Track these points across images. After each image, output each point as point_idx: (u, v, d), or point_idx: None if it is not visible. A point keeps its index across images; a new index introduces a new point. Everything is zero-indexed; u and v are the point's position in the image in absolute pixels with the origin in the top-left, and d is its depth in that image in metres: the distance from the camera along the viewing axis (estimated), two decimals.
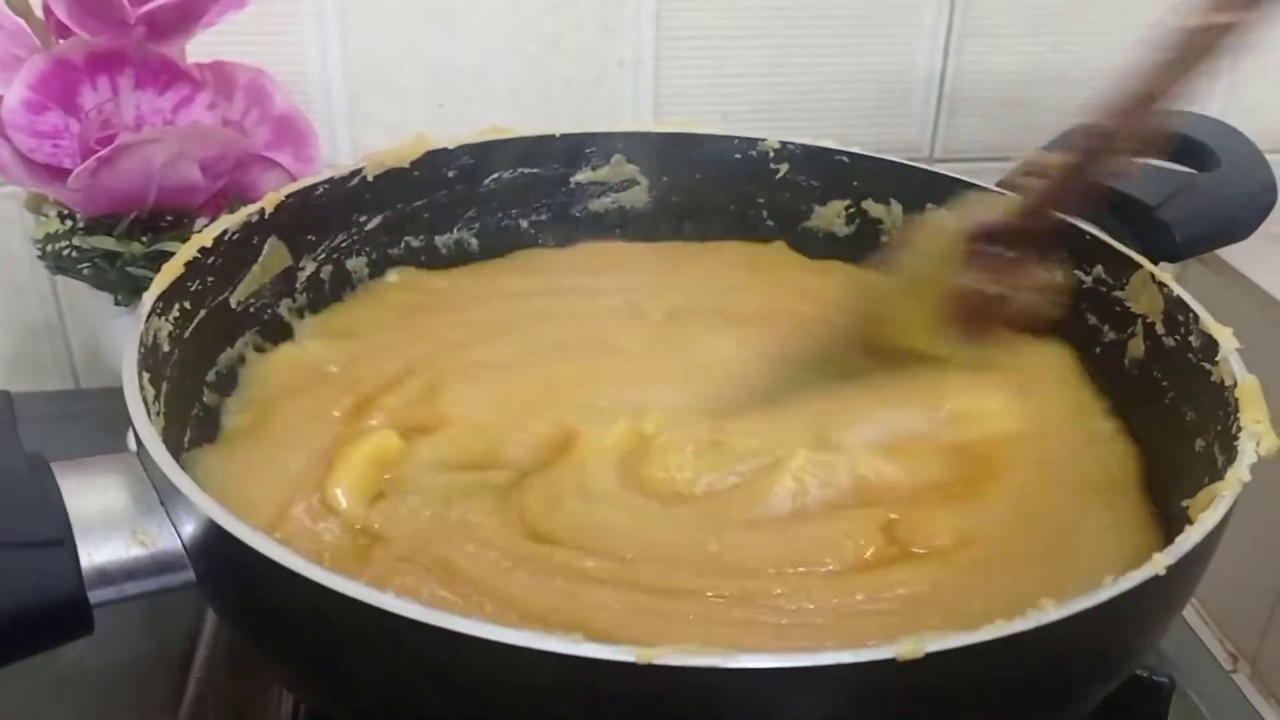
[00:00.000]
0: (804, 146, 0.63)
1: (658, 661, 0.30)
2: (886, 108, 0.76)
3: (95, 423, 0.70)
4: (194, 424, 0.49)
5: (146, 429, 0.39)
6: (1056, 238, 0.50)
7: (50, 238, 0.59)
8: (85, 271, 0.60)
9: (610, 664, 0.30)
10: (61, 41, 0.57)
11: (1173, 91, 0.44)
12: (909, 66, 0.75)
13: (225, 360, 0.52)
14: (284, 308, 0.56)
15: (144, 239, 0.59)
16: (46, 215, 0.60)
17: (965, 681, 0.32)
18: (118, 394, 0.67)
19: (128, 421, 0.69)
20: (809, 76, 0.74)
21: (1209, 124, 0.59)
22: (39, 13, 0.57)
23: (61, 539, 0.35)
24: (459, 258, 0.63)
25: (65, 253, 0.59)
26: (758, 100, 0.74)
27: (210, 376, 0.51)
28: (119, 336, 0.62)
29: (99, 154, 0.54)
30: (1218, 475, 0.41)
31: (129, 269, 0.59)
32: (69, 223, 0.59)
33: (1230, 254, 0.77)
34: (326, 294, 0.58)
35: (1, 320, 0.76)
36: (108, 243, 0.58)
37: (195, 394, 0.50)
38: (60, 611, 0.34)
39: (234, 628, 0.41)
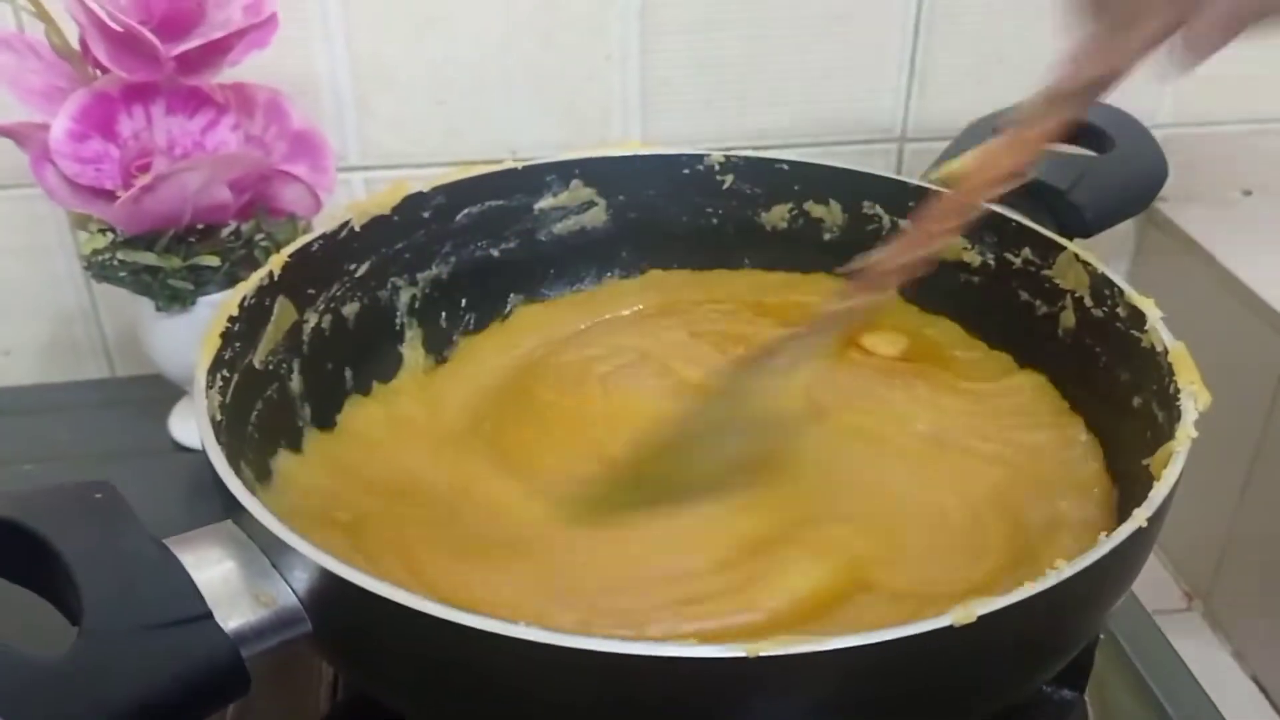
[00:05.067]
0: (746, 158, 0.69)
1: (764, 654, 0.36)
2: (859, 91, 0.81)
3: (133, 410, 0.79)
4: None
5: (249, 500, 0.42)
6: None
7: (96, 252, 0.66)
8: (127, 279, 0.67)
9: (722, 660, 0.36)
10: (99, 73, 0.62)
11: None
12: (880, 50, 0.80)
13: (254, 422, 0.56)
14: (295, 366, 0.59)
15: (181, 253, 0.65)
16: (90, 232, 0.66)
17: (1004, 640, 0.39)
18: (152, 381, 0.76)
19: (166, 408, 0.77)
20: (785, 64, 0.79)
21: (1099, 109, 0.66)
22: (76, 45, 0.63)
23: (209, 612, 0.38)
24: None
25: (109, 263, 0.66)
26: (738, 88, 0.80)
27: (248, 439, 0.55)
28: (160, 337, 0.70)
29: (142, 184, 0.60)
30: (1164, 432, 0.49)
31: (169, 281, 0.66)
32: (110, 235, 0.66)
33: (1187, 223, 0.84)
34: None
35: (36, 308, 0.82)
36: (149, 258, 0.65)
37: (239, 458, 0.53)
38: (222, 678, 0.38)
39: (354, 670, 0.46)
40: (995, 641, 0.39)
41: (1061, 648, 0.43)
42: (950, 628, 0.37)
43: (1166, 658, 0.62)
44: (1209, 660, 0.62)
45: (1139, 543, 0.42)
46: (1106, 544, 0.40)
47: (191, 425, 0.73)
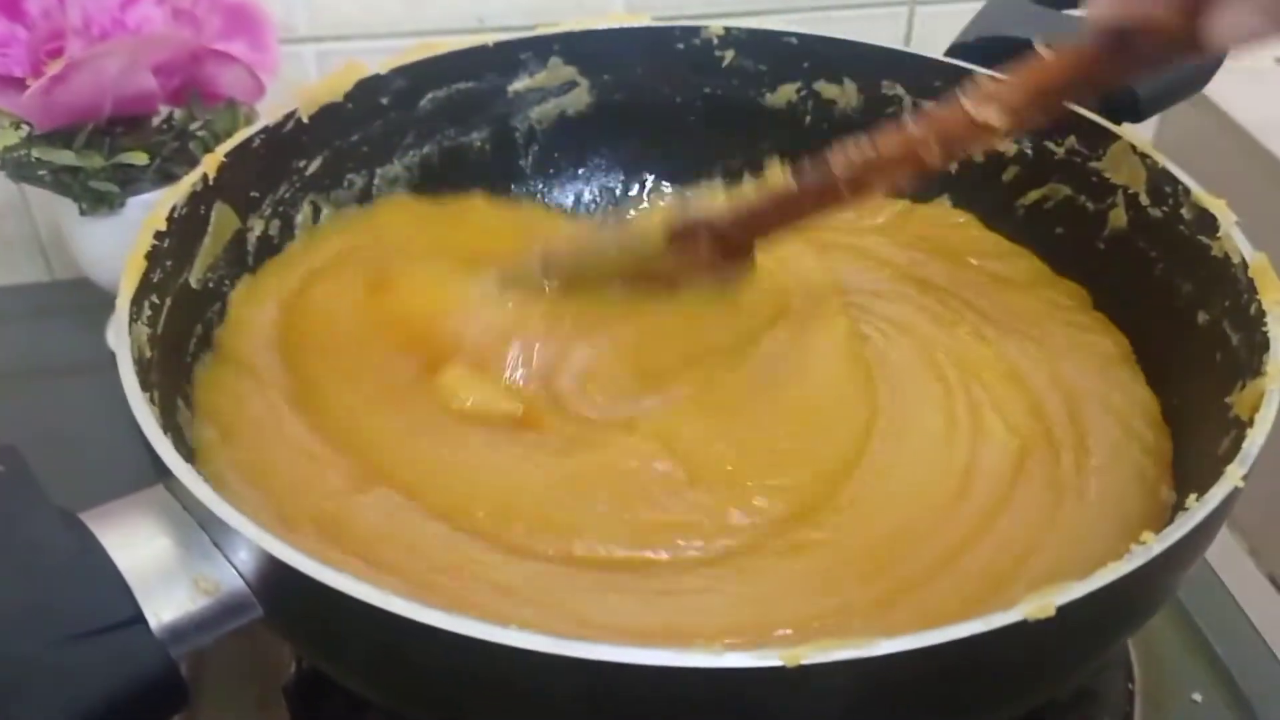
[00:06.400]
0: (749, 31, 0.61)
1: (805, 662, 0.30)
2: None
3: (71, 319, 0.72)
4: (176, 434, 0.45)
5: (182, 468, 0.36)
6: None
7: (8, 149, 0.57)
8: (47, 179, 0.59)
9: (759, 671, 0.30)
10: None
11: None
12: None
13: (193, 351, 0.49)
14: (240, 282, 0.52)
15: (104, 150, 0.57)
16: (1, 126, 0.58)
17: (1080, 627, 0.33)
18: (87, 286, 0.67)
19: (104, 315, 0.68)
20: None
21: None
22: None
23: (137, 614, 0.32)
24: None
25: (25, 161, 0.57)
26: None
27: (184, 372, 0.48)
28: (87, 242, 0.63)
29: (53, 72, 0.52)
30: (1240, 357, 0.42)
31: (91, 183, 0.58)
32: (25, 129, 0.57)
33: (1214, 93, 0.78)
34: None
35: None
36: (67, 157, 0.57)
37: (175, 395, 0.46)
38: (156, 690, 0.32)
39: (308, 651, 0.40)
40: (1070, 630, 0.33)
41: (1137, 623, 0.38)
42: (1024, 623, 0.31)
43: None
44: (1225, 557, 0.58)
45: (1231, 503, 0.36)
46: (1199, 511, 0.34)
47: None
